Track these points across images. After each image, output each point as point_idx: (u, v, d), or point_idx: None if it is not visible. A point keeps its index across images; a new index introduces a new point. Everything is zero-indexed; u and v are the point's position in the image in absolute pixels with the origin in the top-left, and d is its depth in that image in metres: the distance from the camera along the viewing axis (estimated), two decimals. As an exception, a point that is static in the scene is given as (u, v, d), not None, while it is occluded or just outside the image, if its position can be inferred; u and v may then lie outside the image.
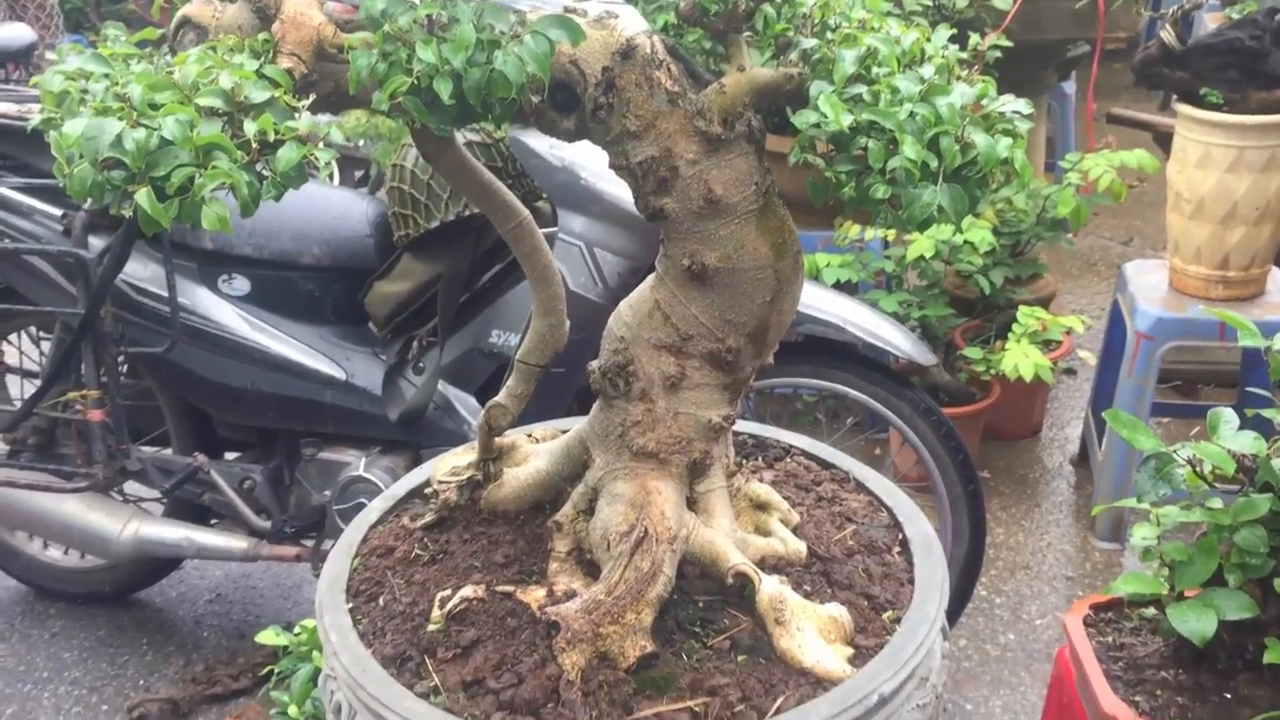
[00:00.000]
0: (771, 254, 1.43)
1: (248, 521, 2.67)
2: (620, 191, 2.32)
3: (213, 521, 2.86)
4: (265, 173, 1.07)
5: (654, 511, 1.49)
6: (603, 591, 1.44)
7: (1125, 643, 1.64)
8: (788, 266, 1.45)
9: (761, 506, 1.67)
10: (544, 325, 1.63)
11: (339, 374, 2.60)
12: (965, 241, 3.25)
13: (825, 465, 1.89)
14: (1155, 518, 1.50)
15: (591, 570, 1.56)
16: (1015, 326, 3.30)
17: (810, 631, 1.46)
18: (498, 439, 1.72)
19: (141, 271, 2.61)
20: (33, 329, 3.02)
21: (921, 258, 3.26)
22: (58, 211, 2.56)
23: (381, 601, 1.57)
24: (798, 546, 1.61)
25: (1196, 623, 1.42)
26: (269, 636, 1.94)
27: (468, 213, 2.43)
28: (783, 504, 1.68)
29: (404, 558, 1.64)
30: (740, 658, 1.45)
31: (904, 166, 1.22)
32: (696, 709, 1.38)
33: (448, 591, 1.54)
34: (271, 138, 1.06)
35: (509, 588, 1.54)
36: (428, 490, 1.83)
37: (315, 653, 1.89)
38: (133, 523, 2.74)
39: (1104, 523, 3.18)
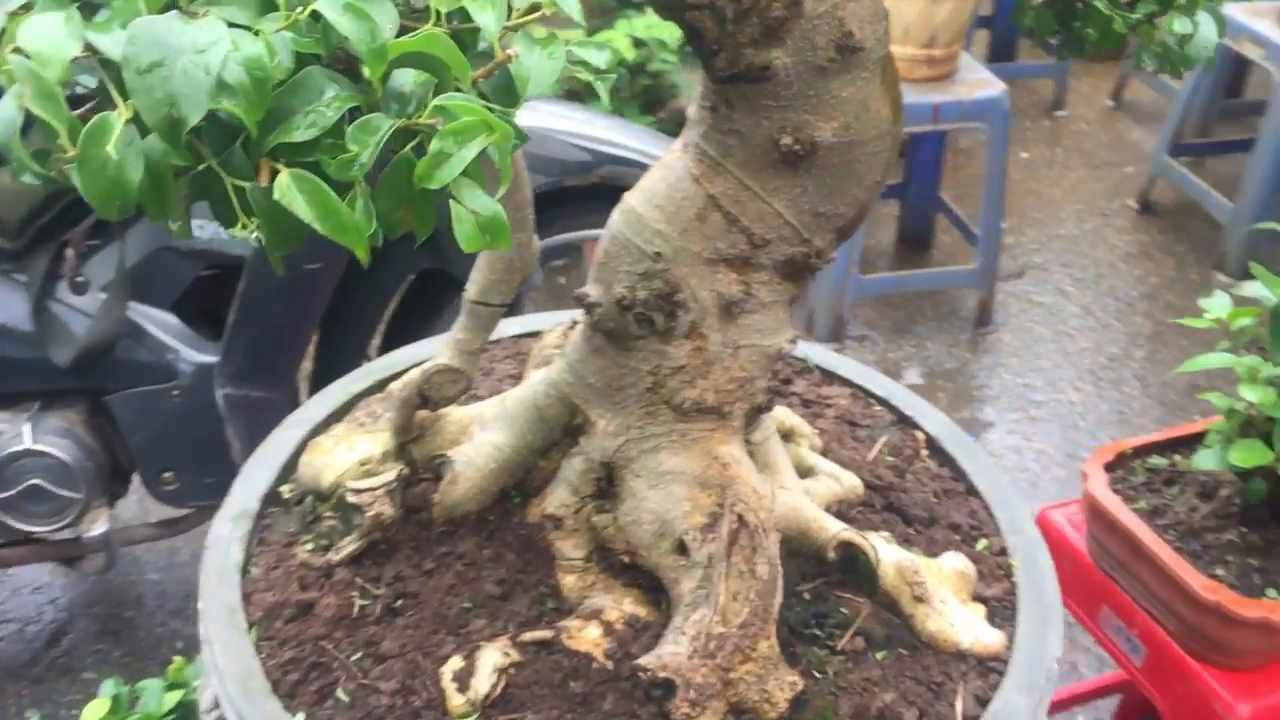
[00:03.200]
0: (891, 115, 1.02)
1: None
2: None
3: None
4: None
5: (743, 490, 1.08)
6: (717, 621, 1.02)
7: (1160, 505, 1.48)
8: (899, 129, 1.05)
9: (787, 436, 1.30)
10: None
11: (-44, 311, 1.80)
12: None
13: (776, 355, 1.52)
14: (1250, 372, 1.30)
15: (631, 576, 1.13)
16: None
17: (952, 601, 1.14)
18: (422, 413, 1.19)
19: None
20: None
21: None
22: None
23: (344, 695, 1.04)
24: (853, 481, 1.27)
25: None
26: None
27: (138, 60, 1.69)
28: (806, 427, 1.32)
29: (340, 616, 1.10)
30: (879, 655, 1.11)
31: (1201, -13, 0.85)
32: (880, 747, 1.03)
33: (457, 661, 1.04)
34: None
35: (543, 634, 1.07)
36: (288, 494, 1.26)
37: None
38: None
39: (824, 325, 3.07)
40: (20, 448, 1.81)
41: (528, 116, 1.90)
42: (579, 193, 2.01)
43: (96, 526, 1.85)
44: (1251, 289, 1.34)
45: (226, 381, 1.82)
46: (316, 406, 1.37)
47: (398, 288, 1.94)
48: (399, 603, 1.12)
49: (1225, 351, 1.38)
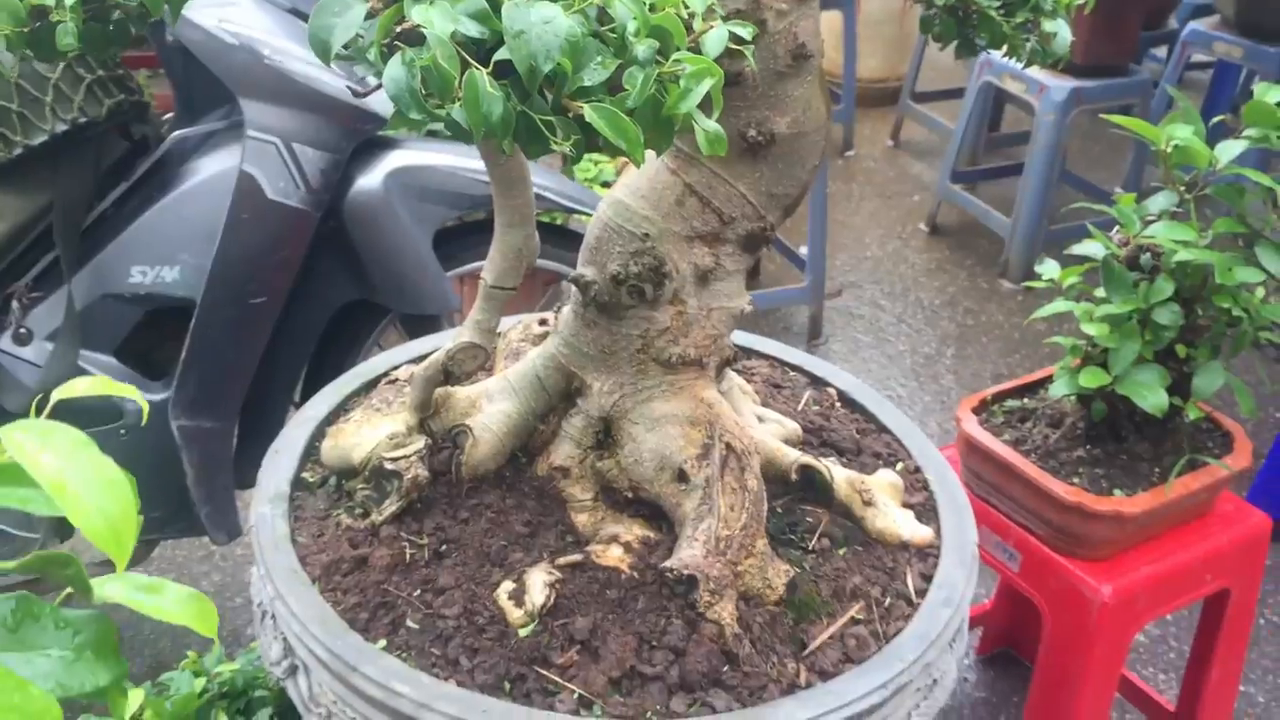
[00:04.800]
0: (826, 110, 1.29)
1: None
2: (314, 70, 1.88)
3: None
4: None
5: (726, 423, 1.32)
6: (722, 526, 1.26)
7: (1020, 436, 1.79)
8: (830, 122, 1.32)
9: (735, 393, 1.54)
10: (517, 238, 1.31)
11: (-97, 367, 1.86)
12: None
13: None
14: (1087, 314, 1.63)
15: (636, 510, 1.35)
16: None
17: (891, 505, 1.41)
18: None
19: None
20: None
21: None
22: None
23: (414, 624, 1.22)
24: (793, 425, 1.53)
25: (1154, 398, 1.58)
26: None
27: (84, 118, 1.82)
28: (748, 386, 1.57)
29: (394, 563, 1.28)
30: (841, 551, 1.36)
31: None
32: (858, 617, 1.28)
33: (508, 584, 1.24)
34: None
35: (575, 558, 1.28)
36: (312, 478, 1.43)
37: None
38: None
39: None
40: (-24, 495, 1.88)
41: (437, 156, 2.10)
42: (483, 226, 2.22)
43: (60, 561, 1.93)
44: (1080, 248, 1.67)
45: (181, 413, 1.93)
46: (316, 407, 1.53)
47: (325, 319, 2.10)
48: (444, 547, 1.30)
49: (1062, 301, 1.70)
